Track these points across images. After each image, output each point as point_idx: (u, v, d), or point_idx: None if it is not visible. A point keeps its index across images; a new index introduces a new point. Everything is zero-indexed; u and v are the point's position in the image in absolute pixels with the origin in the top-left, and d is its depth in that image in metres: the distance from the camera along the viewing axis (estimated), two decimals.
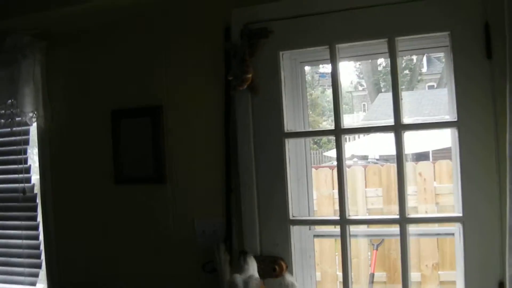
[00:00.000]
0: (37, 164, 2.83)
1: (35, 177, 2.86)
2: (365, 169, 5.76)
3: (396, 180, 2.07)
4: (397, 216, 2.06)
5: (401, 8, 2.01)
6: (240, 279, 1.98)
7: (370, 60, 13.34)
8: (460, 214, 1.98)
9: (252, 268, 2.08)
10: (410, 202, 5.09)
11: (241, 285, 1.96)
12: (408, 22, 2.01)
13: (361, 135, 9.56)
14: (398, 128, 2.03)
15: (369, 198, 5.48)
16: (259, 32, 2.18)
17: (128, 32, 2.54)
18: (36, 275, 2.85)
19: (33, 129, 2.83)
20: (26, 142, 2.86)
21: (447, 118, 2.24)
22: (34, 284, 2.84)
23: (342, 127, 2.12)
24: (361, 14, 2.07)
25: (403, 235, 2.05)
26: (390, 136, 2.07)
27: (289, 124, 2.26)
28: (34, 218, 2.84)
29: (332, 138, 2.18)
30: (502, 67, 1.81)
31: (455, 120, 1.97)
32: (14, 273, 2.92)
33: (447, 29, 1.97)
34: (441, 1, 1.97)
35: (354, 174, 5.65)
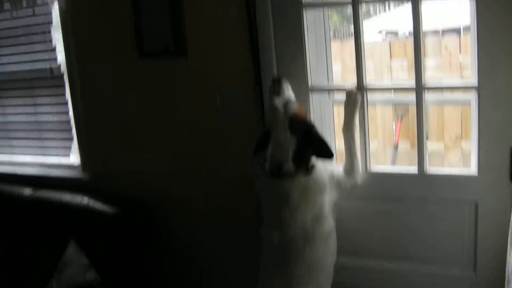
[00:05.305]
0: (61, 45, 2.87)
1: (60, 57, 2.91)
2: (390, 43, 5.64)
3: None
4: (413, 83, 2.05)
5: None
6: (280, 101, 1.92)
7: None
8: (475, 81, 1.96)
9: (287, 91, 2.00)
10: (435, 74, 5.05)
11: (281, 108, 1.90)
12: None
13: (392, 8, 9.20)
14: None
15: (394, 71, 5.42)
16: None
17: None
18: (68, 147, 3.05)
19: (55, 11, 2.84)
20: (50, 23, 2.90)
21: None
22: (68, 155, 3.05)
23: None
24: None
25: (419, 103, 2.06)
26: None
27: None
28: (63, 97, 2.97)
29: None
30: None
31: None
32: (49, 146, 3.16)
33: None
34: None
35: (380, 47, 5.53)
